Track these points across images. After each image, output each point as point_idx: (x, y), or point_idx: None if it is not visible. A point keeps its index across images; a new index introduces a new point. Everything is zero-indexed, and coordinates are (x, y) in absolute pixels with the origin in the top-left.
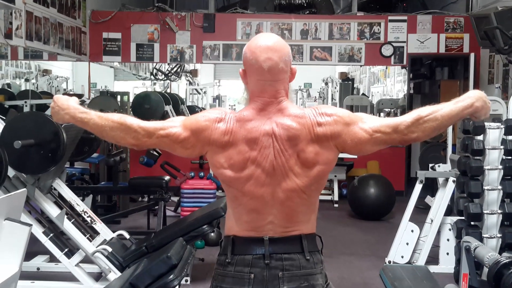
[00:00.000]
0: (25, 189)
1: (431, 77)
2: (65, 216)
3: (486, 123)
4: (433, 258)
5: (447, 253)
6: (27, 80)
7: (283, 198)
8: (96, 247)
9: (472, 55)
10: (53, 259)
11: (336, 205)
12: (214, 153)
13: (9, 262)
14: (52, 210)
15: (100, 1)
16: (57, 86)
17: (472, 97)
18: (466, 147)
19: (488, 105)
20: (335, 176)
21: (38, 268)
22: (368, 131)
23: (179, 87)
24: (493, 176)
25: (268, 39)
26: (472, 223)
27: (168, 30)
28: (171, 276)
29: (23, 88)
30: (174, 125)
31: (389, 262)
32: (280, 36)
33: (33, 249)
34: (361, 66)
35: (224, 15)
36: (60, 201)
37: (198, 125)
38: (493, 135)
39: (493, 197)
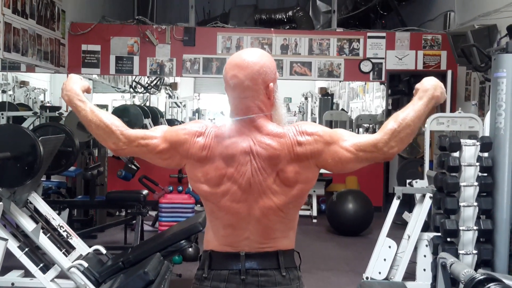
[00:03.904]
0: (0, 203)
1: (409, 93)
2: (41, 231)
3: (462, 140)
4: (410, 274)
5: (424, 269)
6: (4, 91)
7: (259, 215)
8: (72, 262)
9: (449, 72)
10: (28, 274)
11: (314, 221)
12: (192, 167)
13: None
14: (28, 224)
15: (80, 13)
16: (35, 98)
17: (429, 89)
18: (442, 163)
19: (443, 88)
20: (314, 191)
21: (12, 283)
22: (350, 150)
23: (159, 100)
24: (469, 192)
25: (240, 56)
26: (448, 239)
27: (148, 43)
28: None
29: (0, 100)
30: (155, 135)
31: (367, 278)
32: None
33: (8, 263)
34: (340, 81)
35: (205, 29)
36: (36, 215)
37: (177, 138)
38: (469, 152)
39: (469, 213)
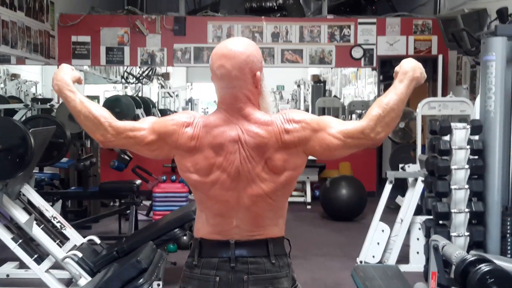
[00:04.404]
0: None
1: None
2: (34, 222)
3: (452, 124)
4: (404, 257)
5: (417, 252)
6: None
7: (249, 203)
8: (66, 253)
9: (440, 57)
10: (23, 265)
11: (308, 207)
12: (181, 157)
13: None
14: (21, 216)
15: (69, 5)
16: (26, 90)
17: (408, 71)
18: (433, 147)
19: (422, 68)
20: (308, 177)
21: (7, 275)
22: (338, 136)
23: (151, 91)
24: (460, 175)
25: (226, 45)
26: (440, 222)
27: (138, 33)
28: (141, 280)
29: None
30: (143, 127)
31: (361, 262)
32: (251, 39)
33: (3, 255)
34: (331, 68)
35: (195, 18)
36: (29, 207)
37: (166, 129)
38: (460, 135)
39: (460, 196)
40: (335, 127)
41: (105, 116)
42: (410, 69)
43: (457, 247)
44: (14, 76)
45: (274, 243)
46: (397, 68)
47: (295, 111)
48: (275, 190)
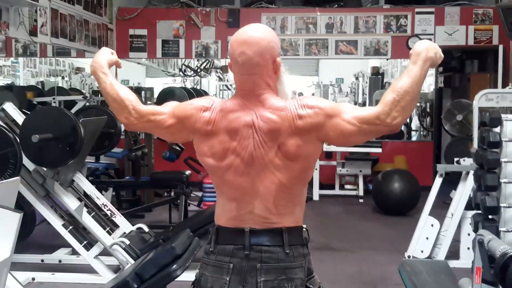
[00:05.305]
0: (18, 177)
1: (461, 70)
2: (85, 210)
3: (503, 115)
4: (455, 253)
5: (468, 248)
6: (63, 77)
7: (263, 189)
8: (114, 240)
9: (501, 47)
10: (75, 252)
11: (361, 200)
12: (198, 141)
13: (0, 247)
14: (71, 203)
15: None
16: (91, 83)
17: (421, 52)
18: (483, 139)
19: (437, 48)
20: (360, 171)
21: (60, 261)
22: (353, 122)
23: (209, 83)
24: (510, 168)
25: (247, 32)
26: (489, 216)
27: (193, 26)
28: (174, 266)
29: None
30: (164, 111)
31: (409, 256)
32: (305, 30)
33: (57, 242)
34: (387, 59)
35: (249, 10)
36: (81, 195)
37: (185, 113)
38: (510, 127)
39: (510, 190)
40: (350, 113)
41: (131, 99)
42: (423, 50)
43: (502, 242)
44: (78, 70)
45: (290, 233)
46: (411, 51)
47: (310, 97)
48: (289, 177)
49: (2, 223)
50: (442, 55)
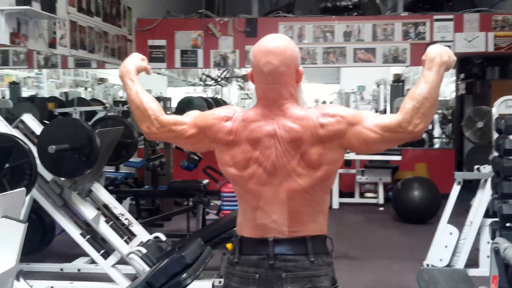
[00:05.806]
0: (23, 189)
1: (482, 76)
2: (103, 219)
3: None
4: (474, 261)
5: (488, 256)
6: (86, 88)
7: (286, 198)
8: (131, 249)
9: None
10: (94, 261)
11: (381, 208)
12: (220, 151)
13: (5, 257)
14: (88, 213)
15: (145, 9)
16: (114, 94)
17: (435, 57)
18: (499, 147)
19: (450, 52)
20: (380, 179)
21: (78, 269)
22: (375, 130)
23: (230, 92)
24: None
25: (270, 42)
26: (506, 224)
27: (210, 35)
28: (184, 275)
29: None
30: (185, 121)
31: (427, 265)
32: (322, 38)
33: (76, 251)
34: (406, 67)
35: (266, 19)
36: (99, 204)
37: (206, 122)
38: None
39: None
40: (371, 121)
41: (154, 109)
42: (436, 55)
43: None
44: (101, 80)
45: (313, 241)
46: (423, 57)
47: (332, 105)
48: (312, 185)
49: (8, 233)
50: (455, 58)
